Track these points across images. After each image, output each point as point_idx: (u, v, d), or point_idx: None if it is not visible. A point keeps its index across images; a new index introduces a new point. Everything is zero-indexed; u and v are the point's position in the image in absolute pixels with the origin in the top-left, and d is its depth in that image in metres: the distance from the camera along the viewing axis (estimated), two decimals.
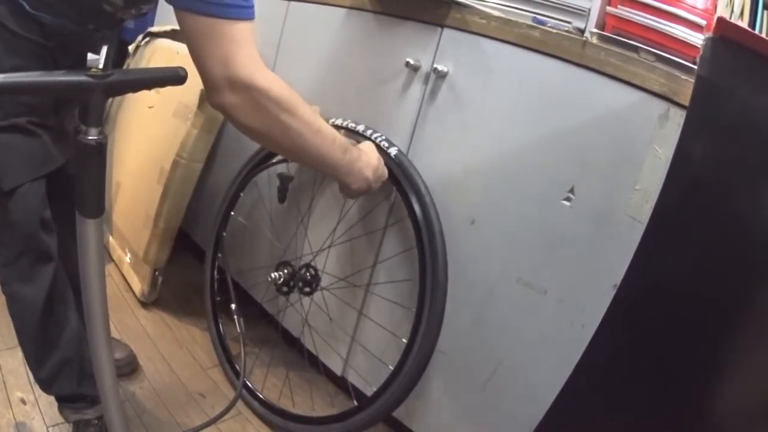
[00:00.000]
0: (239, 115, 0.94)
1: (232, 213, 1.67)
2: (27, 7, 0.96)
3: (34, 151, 1.05)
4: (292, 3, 1.64)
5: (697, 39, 1.05)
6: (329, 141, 1.06)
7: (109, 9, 1.03)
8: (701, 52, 0.79)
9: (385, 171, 1.25)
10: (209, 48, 0.87)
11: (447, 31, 1.25)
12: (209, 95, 0.93)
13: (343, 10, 1.47)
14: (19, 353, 1.40)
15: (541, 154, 1.12)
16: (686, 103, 0.91)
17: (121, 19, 1.09)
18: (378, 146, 1.30)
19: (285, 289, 1.50)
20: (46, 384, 1.18)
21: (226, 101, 0.91)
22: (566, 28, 1.14)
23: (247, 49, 0.88)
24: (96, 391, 0.88)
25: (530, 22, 1.15)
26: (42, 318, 1.11)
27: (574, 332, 1.06)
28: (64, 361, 1.16)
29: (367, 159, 1.18)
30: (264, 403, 1.46)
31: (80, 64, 1.15)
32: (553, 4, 1.21)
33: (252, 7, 0.89)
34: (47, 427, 1.27)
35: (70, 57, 1.10)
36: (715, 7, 1.08)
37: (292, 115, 0.96)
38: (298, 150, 1.03)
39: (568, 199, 1.08)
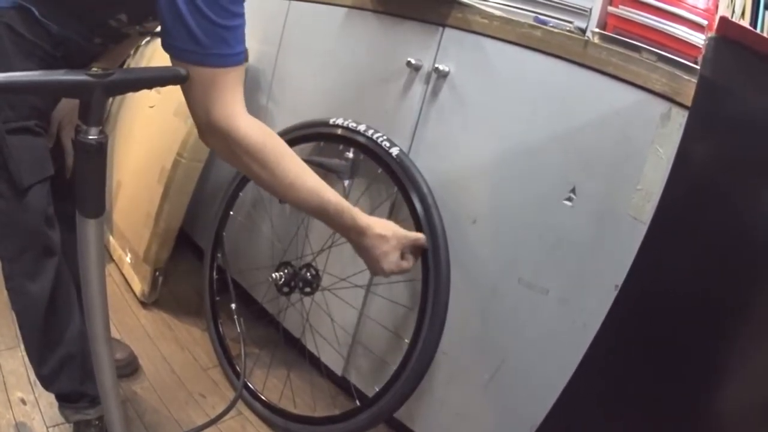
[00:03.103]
0: (218, 154, 1.01)
1: (231, 212, 1.66)
2: (36, 14, 0.99)
3: (43, 152, 1.09)
4: (293, 2, 1.64)
5: (699, 39, 1.05)
6: (308, 200, 1.04)
7: (115, 24, 1.06)
8: (704, 52, 0.79)
9: (402, 263, 1.15)
10: (192, 92, 0.90)
11: (448, 31, 1.24)
12: (198, 131, 0.97)
13: (344, 10, 1.47)
14: (20, 353, 1.41)
15: (542, 154, 1.12)
16: (688, 103, 0.91)
17: (126, 34, 1.12)
18: (381, 147, 1.30)
19: (286, 289, 1.50)
20: (47, 381, 1.18)
21: (208, 141, 0.97)
22: (568, 28, 1.14)
23: (228, 96, 0.90)
24: (97, 391, 0.88)
25: (532, 22, 1.14)
26: (46, 313, 1.11)
27: (576, 332, 1.06)
28: (66, 357, 1.16)
29: (376, 243, 1.11)
30: (264, 404, 1.46)
31: None
32: (555, 4, 1.21)
33: (239, 53, 0.90)
34: (47, 428, 1.27)
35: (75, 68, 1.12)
36: (717, 7, 1.08)
37: (263, 167, 0.98)
38: (272, 191, 1.05)
39: (569, 199, 1.08)
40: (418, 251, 1.20)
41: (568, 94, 1.08)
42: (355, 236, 1.10)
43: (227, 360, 1.59)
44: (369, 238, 1.10)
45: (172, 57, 0.88)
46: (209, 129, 0.94)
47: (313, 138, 1.45)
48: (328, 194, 1.05)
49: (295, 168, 1.02)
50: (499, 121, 1.18)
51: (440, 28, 1.26)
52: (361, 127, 1.35)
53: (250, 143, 0.95)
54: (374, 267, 1.14)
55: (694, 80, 0.88)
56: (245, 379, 1.50)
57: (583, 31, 1.15)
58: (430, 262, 1.22)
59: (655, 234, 0.86)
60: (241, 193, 1.65)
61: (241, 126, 0.93)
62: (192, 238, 2.08)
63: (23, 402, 1.32)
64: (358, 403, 1.37)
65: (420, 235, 1.19)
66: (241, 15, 0.88)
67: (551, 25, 1.14)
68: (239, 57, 0.90)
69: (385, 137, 1.32)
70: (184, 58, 0.86)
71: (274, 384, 1.58)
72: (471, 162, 1.23)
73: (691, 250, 0.83)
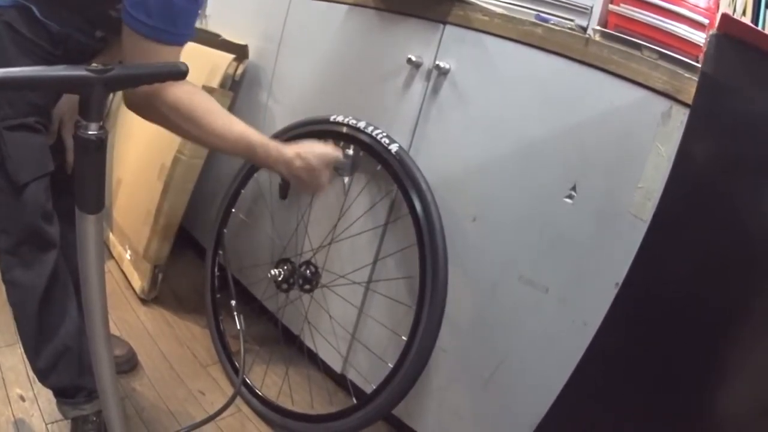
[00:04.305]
0: (145, 117, 1.03)
1: (233, 210, 1.66)
2: (37, 14, 1.00)
3: (43, 149, 1.09)
4: None
5: (700, 37, 1.04)
6: (237, 146, 1.08)
7: (115, 15, 1.06)
8: (705, 49, 0.79)
9: (321, 175, 1.18)
10: (132, 59, 0.95)
11: (449, 28, 1.24)
12: (124, 99, 1.02)
13: (345, 7, 1.47)
14: (18, 350, 1.40)
15: (543, 152, 1.12)
16: (689, 101, 0.91)
17: None
18: (375, 139, 1.30)
19: (285, 286, 1.50)
20: (43, 374, 1.18)
21: (134, 107, 1.01)
22: (569, 26, 1.13)
23: None
24: (94, 385, 0.88)
25: (533, 20, 1.14)
26: (41, 305, 1.12)
27: (576, 331, 1.06)
28: (62, 350, 1.16)
29: (309, 166, 1.15)
30: (263, 401, 1.46)
31: None
32: (556, 2, 1.20)
33: (183, 35, 0.96)
34: (46, 424, 1.27)
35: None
36: (718, 6, 1.08)
37: (192, 124, 1.02)
38: (203, 144, 1.16)
39: (570, 196, 1.08)
40: (332, 161, 1.21)
41: (569, 92, 1.08)
42: (285, 168, 1.13)
43: (227, 357, 1.59)
44: (302, 163, 1.13)
45: (125, 23, 0.93)
46: (139, 98, 0.98)
47: (313, 135, 1.45)
48: (254, 137, 1.09)
49: (221, 120, 1.05)
50: (500, 119, 1.18)
51: (441, 26, 1.25)
52: (361, 124, 1.35)
53: (178, 105, 0.99)
54: (314, 186, 1.18)
55: (695, 78, 0.88)
56: (244, 376, 1.49)
57: (584, 29, 1.15)
58: (428, 259, 1.22)
59: (655, 232, 0.85)
60: (242, 191, 1.65)
61: (171, 93, 0.98)
62: (192, 236, 2.07)
63: (22, 399, 1.32)
64: (354, 400, 1.37)
65: (330, 149, 1.20)
66: (196, 1, 0.94)
67: (552, 22, 1.13)
68: (182, 38, 0.96)
69: (384, 134, 1.31)
70: (134, 27, 0.92)
71: (272, 381, 1.58)
72: (471, 159, 1.22)
73: (691, 249, 0.83)
